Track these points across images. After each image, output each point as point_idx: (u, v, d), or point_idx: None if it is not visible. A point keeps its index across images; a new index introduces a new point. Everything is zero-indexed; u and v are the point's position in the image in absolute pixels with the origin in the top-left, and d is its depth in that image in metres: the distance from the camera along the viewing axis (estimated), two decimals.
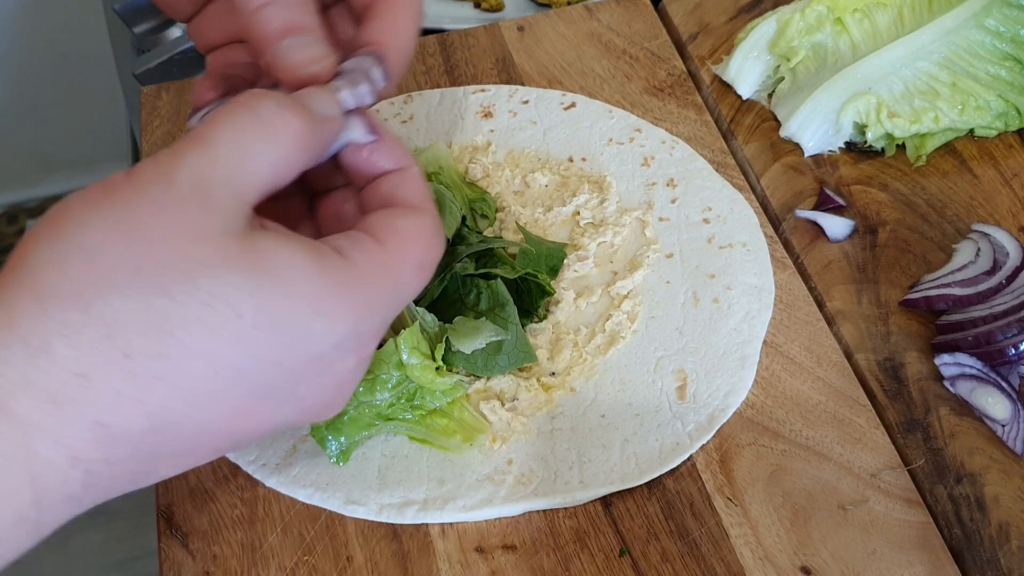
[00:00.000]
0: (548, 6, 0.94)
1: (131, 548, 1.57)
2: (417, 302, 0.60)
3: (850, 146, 0.76)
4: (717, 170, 0.73)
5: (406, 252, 0.42)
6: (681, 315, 0.65)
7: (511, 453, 0.59)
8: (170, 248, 0.36)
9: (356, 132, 0.44)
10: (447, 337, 0.59)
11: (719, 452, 0.59)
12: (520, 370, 0.62)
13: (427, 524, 0.57)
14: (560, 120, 0.78)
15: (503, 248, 0.65)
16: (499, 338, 0.60)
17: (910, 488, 0.58)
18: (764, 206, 0.73)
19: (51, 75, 1.61)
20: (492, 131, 0.77)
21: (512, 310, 0.61)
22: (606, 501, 0.58)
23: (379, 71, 0.45)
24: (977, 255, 0.67)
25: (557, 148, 0.76)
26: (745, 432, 0.60)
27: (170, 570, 0.56)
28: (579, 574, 0.55)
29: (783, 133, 0.76)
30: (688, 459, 0.59)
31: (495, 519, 0.57)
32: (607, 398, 0.62)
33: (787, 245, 0.70)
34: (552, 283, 0.65)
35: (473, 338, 0.59)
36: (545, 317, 0.65)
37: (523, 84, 0.81)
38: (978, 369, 0.61)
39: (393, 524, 0.57)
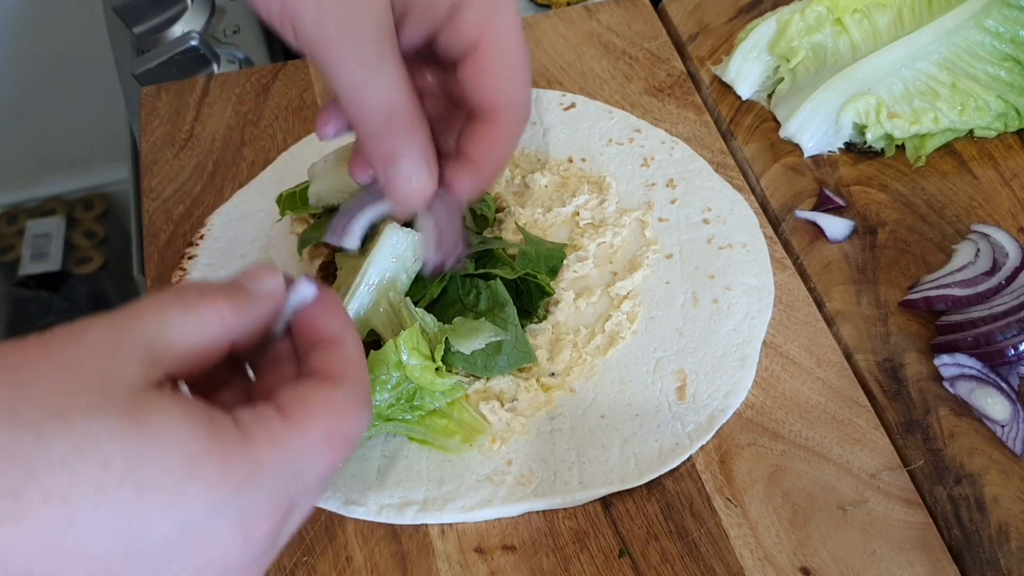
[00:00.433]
0: (548, 6, 0.94)
1: None
2: (416, 302, 0.60)
3: (850, 147, 0.76)
4: (717, 170, 0.73)
5: (308, 425, 0.40)
6: (681, 315, 0.65)
7: (511, 453, 0.59)
8: (53, 387, 0.35)
9: (305, 292, 0.44)
10: (447, 338, 0.59)
11: (719, 453, 0.59)
12: (520, 370, 0.62)
13: (427, 524, 0.57)
14: (560, 120, 0.78)
15: (503, 248, 0.65)
16: (498, 338, 0.59)
17: (910, 489, 0.58)
18: (764, 207, 0.73)
19: (51, 75, 1.61)
20: None
21: (512, 310, 0.61)
22: (606, 501, 0.58)
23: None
24: (977, 256, 0.67)
25: (557, 148, 0.76)
26: (745, 433, 0.60)
27: None
28: (579, 575, 0.55)
29: (783, 134, 0.76)
30: (688, 459, 0.59)
31: (495, 519, 0.57)
32: (607, 398, 0.62)
33: (787, 246, 0.70)
34: (552, 283, 0.65)
35: (473, 339, 0.59)
36: (545, 317, 0.65)
37: None
38: (978, 370, 0.61)
39: (392, 524, 0.57)
